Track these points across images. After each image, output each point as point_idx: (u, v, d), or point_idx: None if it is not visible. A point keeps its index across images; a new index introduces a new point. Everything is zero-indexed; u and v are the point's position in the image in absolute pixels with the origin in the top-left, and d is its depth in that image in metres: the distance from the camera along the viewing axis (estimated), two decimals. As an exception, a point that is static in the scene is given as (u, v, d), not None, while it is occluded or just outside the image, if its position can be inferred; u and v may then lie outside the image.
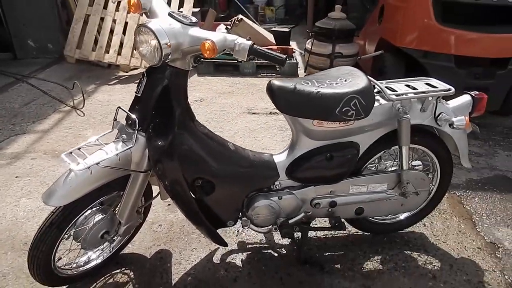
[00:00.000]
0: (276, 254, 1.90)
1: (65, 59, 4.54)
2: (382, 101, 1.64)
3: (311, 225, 1.85)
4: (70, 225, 1.45)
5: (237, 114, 3.53)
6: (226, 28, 4.84)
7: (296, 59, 4.75)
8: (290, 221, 1.70)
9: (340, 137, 1.66)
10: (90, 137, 1.49)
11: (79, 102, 3.64)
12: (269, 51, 1.32)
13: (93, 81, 4.19)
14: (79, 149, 1.43)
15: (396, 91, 1.66)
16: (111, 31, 4.41)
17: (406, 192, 1.77)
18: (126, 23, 4.39)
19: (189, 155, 1.50)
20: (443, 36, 3.09)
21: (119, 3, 4.47)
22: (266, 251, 1.92)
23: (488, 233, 2.09)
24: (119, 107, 1.48)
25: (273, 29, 5.20)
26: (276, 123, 3.34)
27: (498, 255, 1.93)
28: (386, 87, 1.66)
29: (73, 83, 3.71)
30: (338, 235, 2.04)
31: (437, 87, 1.70)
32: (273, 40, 4.94)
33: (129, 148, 1.42)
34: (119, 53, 4.32)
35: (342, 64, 3.70)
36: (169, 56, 1.32)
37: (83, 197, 1.40)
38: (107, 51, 4.34)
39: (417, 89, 1.67)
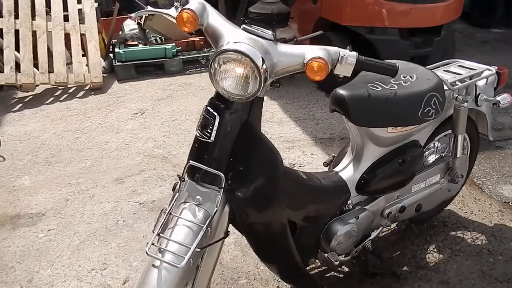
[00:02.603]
0: (341, 275, 1.73)
1: None
2: (440, 92, 1.55)
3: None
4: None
5: (192, 121, 3.15)
6: (138, 24, 4.27)
7: (222, 48, 4.44)
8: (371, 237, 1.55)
9: (405, 139, 1.53)
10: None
11: (-14, 142, 2.83)
12: (377, 60, 1.10)
13: (-12, 111, 3.31)
14: (158, 235, 1.02)
15: (447, 79, 1.58)
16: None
17: (456, 178, 1.75)
18: (16, 32, 3.51)
19: (282, 196, 1.21)
20: (387, 11, 3.16)
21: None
22: (329, 275, 1.73)
23: (496, 194, 2.23)
24: (189, 163, 1.10)
25: (185, 18, 4.76)
26: (242, 124, 3.07)
27: (520, 214, 2.07)
28: (436, 76, 1.58)
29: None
30: (380, 236, 1.95)
31: (473, 68, 1.67)
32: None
33: (219, 214, 1.08)
34: (17, 70, 3.46)
35: None
36: (267, 84, 1.02)
37: None
38: (0, 70, 3.44)
39: (461, 74, 1.62)
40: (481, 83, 1.76)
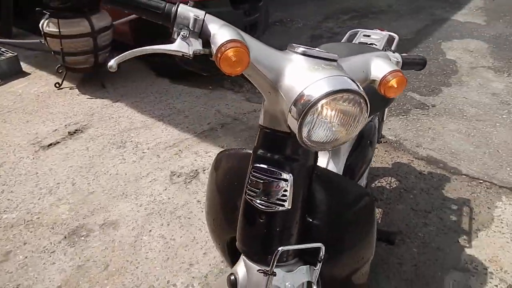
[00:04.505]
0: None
1: None
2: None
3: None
4: None
5: (31, 159, 2.36)
6: None
7: (8, 51, 3.38)
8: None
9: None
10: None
11: None
12: (409, 55, 1.00)
13: None
14: None
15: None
16: None
17: (380, 138, 1.90)
18: None
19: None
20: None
21: None
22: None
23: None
24: (279, 250, 0.77)
25: None
26: (107, 140, 2.49)
27: (399, 148, 2.45)
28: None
29: None
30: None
31: (379, 36, 1.77)
32: None
33: None
34: None
35: (106, 39, 3.02)
36: None
37: None
38: None
39: (376, 45, 1.69)
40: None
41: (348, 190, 0.93)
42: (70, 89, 3.14)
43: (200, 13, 0.72)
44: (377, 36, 1.76)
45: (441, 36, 4.27)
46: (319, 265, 0.83)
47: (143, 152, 2.40)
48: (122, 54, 0.71)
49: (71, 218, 1.95)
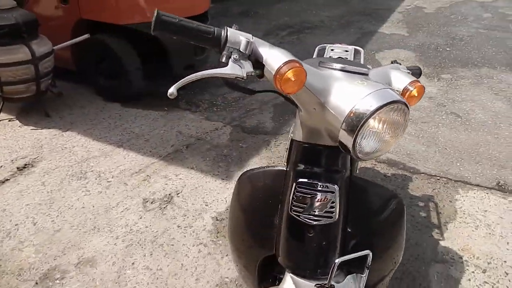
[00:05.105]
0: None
1: None
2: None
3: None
4: None
5: (-22, 200, 2.11)
6: None
7: None
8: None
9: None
10: None
11: None
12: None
13: None
14: None
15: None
16: None
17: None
18: None
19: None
20: (165, 2, 2.97)
21: None
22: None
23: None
24: (336, 263, 0.77)
25: None
26: (64, 172, 2.31)
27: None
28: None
29: None
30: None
31: (347, 48, 1.87)
32: None
33: None
34: None
35: (47, 66, 2.84)
36: None
37: None
38: None
39: (347, 57, 1.79)
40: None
41: (380, 194, 0.97)
42: (9, 120, 2.87)
43: (249, 36, 0.73)
44: (342, 50, 1.86)
45: (373, 48, 4.61)
46: (366, 272, 0.85)
47: (108, 182, 2.26)
48: (180, 81, 0.69)
49: (40, 261, 1.77)
